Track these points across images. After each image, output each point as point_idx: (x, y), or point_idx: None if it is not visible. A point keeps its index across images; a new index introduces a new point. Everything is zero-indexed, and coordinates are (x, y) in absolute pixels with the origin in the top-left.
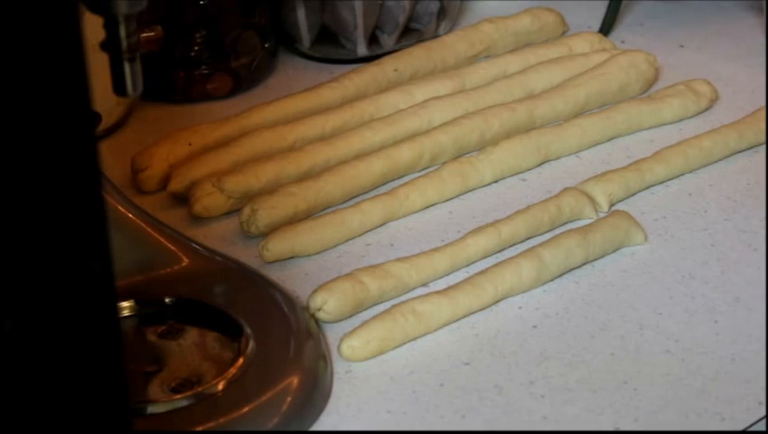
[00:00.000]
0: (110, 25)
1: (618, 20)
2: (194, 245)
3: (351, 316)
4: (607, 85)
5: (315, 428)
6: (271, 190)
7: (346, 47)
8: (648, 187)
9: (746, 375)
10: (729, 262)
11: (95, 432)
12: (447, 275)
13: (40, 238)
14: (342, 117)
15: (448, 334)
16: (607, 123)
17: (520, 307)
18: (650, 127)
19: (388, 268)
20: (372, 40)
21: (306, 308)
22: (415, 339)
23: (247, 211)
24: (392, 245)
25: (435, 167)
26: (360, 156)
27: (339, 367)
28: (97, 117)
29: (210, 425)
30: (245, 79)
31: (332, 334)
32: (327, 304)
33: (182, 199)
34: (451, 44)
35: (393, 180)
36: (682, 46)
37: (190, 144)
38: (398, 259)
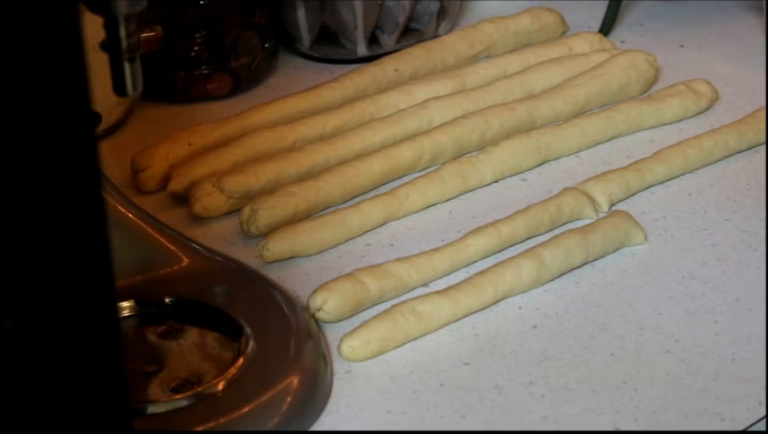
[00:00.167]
0: (110, 25)
1: (618, 20)
2: (194, 245)
3: (351, 316)
4: (607, 85)
5: (315, 428)
6: (271, 190)
7: (346, 47)
8: (648, 187)
9: (746, 375)
10: (729, 262)
11: (95, 432)
12: (447, 275)
13: (40, 238)
14: (342, 117)
15: (448, 334)
16: (607, 123)
17: (520, 307)
18: (650, 127)
19: (388, 269)
20: (372, 40)
21: (306, 308)
22: (415, 339)
23: (247, 211)
24: (392, 245)
25: (435, 167)
26: (360, 156)
27: (339, 367)
28: (97, 117)
29: (210, 425)
30: (245, 79)
31: (332, 334)
32: (327, 304)
33: (182, 199)
34: (451, 44)
35: (393, 180)
36: (682, 46)
37: (190, 144)
38: (398, 259)
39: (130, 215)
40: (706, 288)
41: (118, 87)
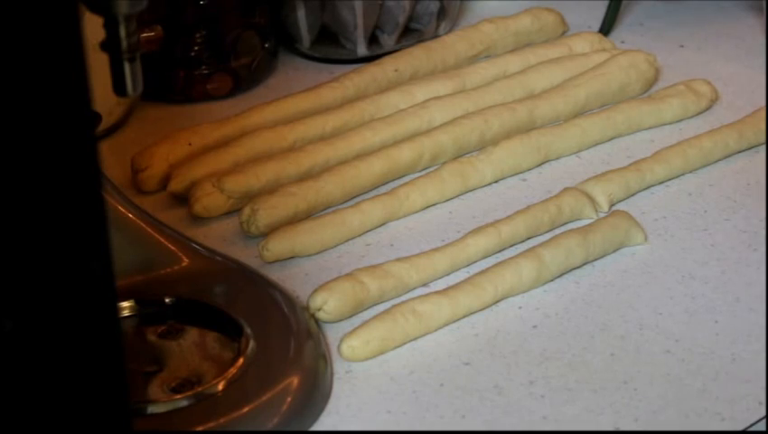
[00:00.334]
0: (110, 25)
1: (618, 20)
2: (194, 245)
3: (351, 316)
4: (607, 85)
5: (315, 428)
6: (271, 190)
7: (346, 47)
8: (648, 187)
9: (746, 375)
10: (729, 262)
11: (95, 432)
12: (447, 275)
13: (40, 238)
14: (342, 117)
15: (448, 334)
16: (607, 123)
17: (520, 307)
18: (650, 127)
19: (388, 269)
20: (372, 40)
21: (306, 308)
22: (415, 339)
23: (247, 211)
24: (392, 245)
25: (436, 167)
26: (360, 156)
27: (339, 367)
28: (97, 117)
29: (210, 425)
30: (245, 79)
31: (332, 334)
32: (327, 304)
33: (182, 199)
34: (451, 44)
35: (393, 180)
36: (682, 46)
37: (190, 144)
38: (398, 259)
39: (130, 215)
40: (706, 288)
41: (118, 87)
